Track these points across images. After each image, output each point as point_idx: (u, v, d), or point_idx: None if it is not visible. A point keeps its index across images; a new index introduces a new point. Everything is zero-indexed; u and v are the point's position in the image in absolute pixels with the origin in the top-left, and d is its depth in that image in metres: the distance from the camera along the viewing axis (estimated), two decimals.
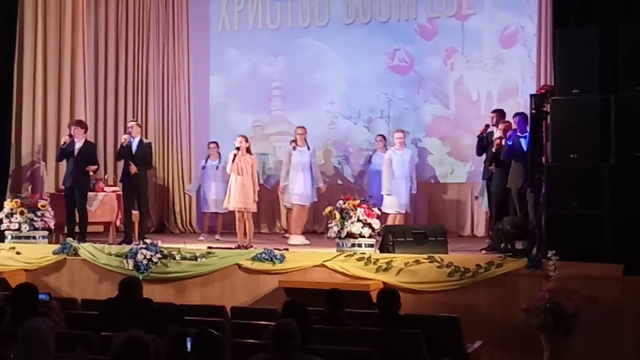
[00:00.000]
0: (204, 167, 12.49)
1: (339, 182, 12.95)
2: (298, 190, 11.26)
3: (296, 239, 11.07)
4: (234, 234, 11.88)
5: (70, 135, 10.95)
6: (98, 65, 13.52)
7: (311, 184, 11.37)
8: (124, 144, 11.05)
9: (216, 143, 12.52)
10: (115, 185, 11.91)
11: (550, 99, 8.77)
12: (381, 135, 12.09)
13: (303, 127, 11.55)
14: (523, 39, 12.12)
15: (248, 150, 10.62)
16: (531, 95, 9.36)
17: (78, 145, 10.90)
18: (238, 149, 10.52)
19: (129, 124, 11.38)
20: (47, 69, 12.41)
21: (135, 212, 11.13)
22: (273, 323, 4.94)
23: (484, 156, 10.36)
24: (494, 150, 9.88)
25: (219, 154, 12.36)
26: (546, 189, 8.59)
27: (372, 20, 12.99)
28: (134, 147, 11.02)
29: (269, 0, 13.53)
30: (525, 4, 12.04)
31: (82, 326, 6.32)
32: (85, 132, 11.17)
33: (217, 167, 12.27)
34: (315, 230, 12.72)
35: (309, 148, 11.39)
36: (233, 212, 10.86)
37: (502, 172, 9.84)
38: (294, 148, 11.40)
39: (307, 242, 10.97)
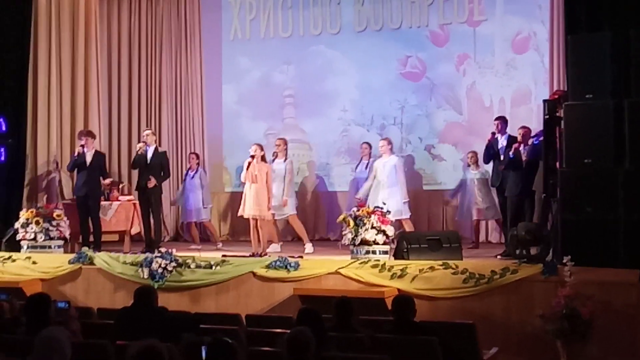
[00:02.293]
0: (184, 179, 12.66)
1: (346, 190, 12.89)
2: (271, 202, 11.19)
3: (309, 246, 11.05)
4: (226, 243, 12.03)
5: (82, 146, 11.02)
6: (111, 75, 13.62)
7: (282, 196, 11.28)
8: (139, 153, 11.10)
9: (196, 154, 12.66)
10: (130, 194, 11.97)
11: (563, 104, 8.75)
12: (366, 142, 12.05)
13: (281, 139, 11.58)
14: (535, 45, 12.09)
15: (263, 159, 10.64)
16: (544, 101, 9.36)
17: (89, 155, 10.97)
18: (252, 157, 10.55)
19: (144, 133, 11.45)
20: (61, 79, 12.51)
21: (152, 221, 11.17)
22: (288, 331, 4.94)
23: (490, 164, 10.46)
24: (511, 154, 9.88)
25: (198, 164, 12.48)
26: (560, 194, 8.56)
27: (383, 27, 13.00)
28: (149, 156, 11.07)
29: (280, 8, 13.57)
30: (537, 9, 12.01)
31: (97, 335, 6.34)
32: (94, 141, 11.28)
33: (192, 177, 12.37)
34: (329, 237, 12.74)
35: (285, 160, 11.38)
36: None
37: (517, 177, 9.83)
38: (273, 160, 11.41)
39: (312, 250, 10.89)
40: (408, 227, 10.92)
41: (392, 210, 10.72)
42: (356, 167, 12.06)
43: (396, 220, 10.79)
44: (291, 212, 11.46)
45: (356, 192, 11.46)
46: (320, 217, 13.02)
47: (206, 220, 12.52)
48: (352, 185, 12.05)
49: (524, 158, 9.85)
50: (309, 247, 10.99)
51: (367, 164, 11.68)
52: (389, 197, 10.84)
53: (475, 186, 11.18)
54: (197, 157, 12.64)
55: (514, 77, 12.28)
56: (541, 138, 9.44)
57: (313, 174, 13.36)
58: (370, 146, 11.93)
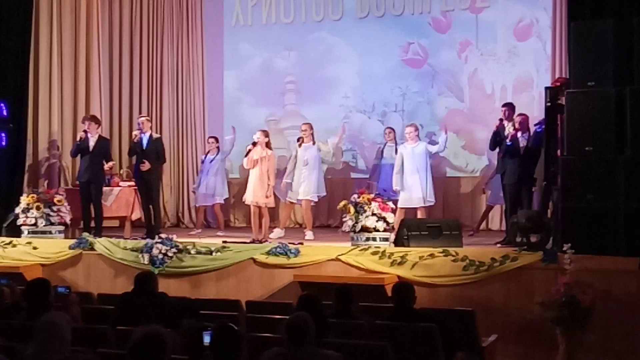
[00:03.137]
0: (202, 162, 12.65)
1: (352, 176, 12.94)
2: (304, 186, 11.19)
3: (310, 234, 11.03)
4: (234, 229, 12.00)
5: (85, 131, 11.01)
6: (113, 61, 13.59)
7: (317, 179, 11.27)
8: (135, 140, 11.09)
9: (215, 138, 12.61)
10: (130, 180, 11.97)
11: (565, 91, 8.73)
12: (390, 127, 12.01)
13: (306, 124, 11.50)
14: (537, 32, 12.06)
15: (268, 145, 10.62)
16: (546, 88, 9.35)
17: (92, 140, 10.95)
18: (255, 143, 10.53)
19: (139, 120, 11.38)
20: (62, 65, 12.49)
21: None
22: (288, 317, 4.95)
23: (496, 150, 10.38)
24: (508, 142, 9.85)
25: (218, 148, 12.44)
26: (561, 182, 8.56)
27: (385, 14, 12.97)
28: (144, 143, 11.04)
29: None
30: None
31: (98, 321, 6.37)
32: (99, 127, 11.24)
33: (211, 161, 12.35)
34: (329, 224, 12.75)
35: (314, 144, 11.33)
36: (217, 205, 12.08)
37: (515, 165, 9.81)
38: (300, 145, 11.38)
39: (312, 237, 10.82)
40: (421, 215, 10.87)
41: (413, 197, 10.74)
42: (382, 153, 11.86)
43: (411, 207, 10.81)
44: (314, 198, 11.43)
45: (383, 178, 11.45)
46: (321, 203, 12.98)
47: (218, 202, 12.47)
48: (375, 171, 11.92)
49: (521, 145, 9.83)
50: (309, 234, 10.99)
51: (396, 148, 11.55)
52: (412, 184, 10.80)
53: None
54: (217, 140, 12.55)
55: (515, 64, 12.25)
56: (544, 126, 9.42)
57: None
58: (393, 130, 11.86)
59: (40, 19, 12.25)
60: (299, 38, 13.48)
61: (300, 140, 11.43)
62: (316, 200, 11.42)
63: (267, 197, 10.58)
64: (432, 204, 11.06)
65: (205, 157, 12.57)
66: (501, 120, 10.28)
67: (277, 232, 11.06)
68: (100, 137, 11.15)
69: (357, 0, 13.11)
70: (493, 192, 11.21)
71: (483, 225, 11.75)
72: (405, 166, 10.91)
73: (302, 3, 13.41)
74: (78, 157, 11.33)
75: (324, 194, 11.54)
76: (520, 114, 10.10)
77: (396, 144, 11.61)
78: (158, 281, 6.90)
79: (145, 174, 10.93)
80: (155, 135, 11.43)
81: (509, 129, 10.13)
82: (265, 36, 13.70)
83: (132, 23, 13.76)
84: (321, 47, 13.39)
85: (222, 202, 12.59)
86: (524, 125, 9.92)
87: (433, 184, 11.12)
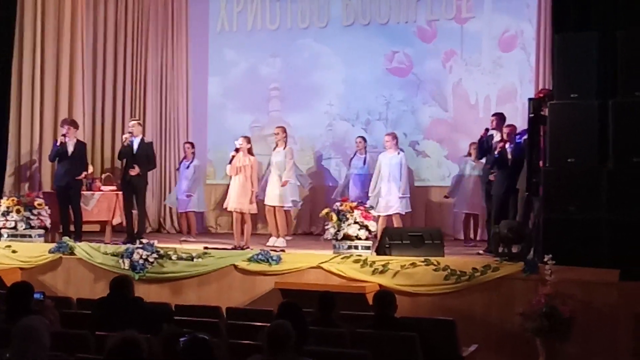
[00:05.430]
0: (178, 168, 12.70)
1: (335, 184, 12.91)
2: (275, 191, 11.27)
3: (272, 240, 11.02)
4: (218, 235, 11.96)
5: (64, 135, 10.94)
6: (96, 65, 13.50)
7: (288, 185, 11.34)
8: (125, 144, 11.03)
9: (191, 143, 12.67)
10: (112, 184, 11.89)
11: (548, 103, 8.77)
12: (361, 137, 12.03)
13: (279, 127, 11.59)
14: (522, 43, 12.12)
15: (250, 152, 10.61)
16: (529, 99, 9.38)
17: (71, 144, 10.89)
18: (237, 150, 10.51)
19: (130, 123, 11.34)
20: (45, 68, 12.37)
21: (134, 212, 11.11)
22: (269, 324, 4.93)
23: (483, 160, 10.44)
24: (496, 153, 9.88)
25: (193, 154, 12.47)
26: (543, 193, 8.59)
27: (371, 22, 12.99)
28: (135, 147, 10.99)
29: (268, 1, 13.53)
30: (524, 8, 12.04)
31: (77, 325, 6.31)
32: (77, 131, 11.20)
33: (187, 167, 12.38)
34: (312, 231, 12.73)
35: (284, 148, 11.36)
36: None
37: (503, 176, 9.84)
38: (274, 149, 11.46)
39: (284, 244, 10.80)
40: (397, 223, 10.90)
41: (384, 206, 10.77)
42: (350, 161, 11.90)
43: (387, 215, 10.84)
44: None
45: (357, 186, 11.48)
46: (303, 210, 12.99)
47: (193, 211, 12.46)
48: (350, 179, 11.88)
49: (509, 156, 9.86)
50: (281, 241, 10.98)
51: (365, 158, 11.65)
52: (389, 191, 10.86)
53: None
54: (192, 146, 12.58)
55: (500, 75, 12.30)
56: (525, 136, 9.46)
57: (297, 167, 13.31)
58: (364, 140, 11.89)
59: (24, 23, 12.13)
60: (284, 45, 13.47)
61: (275, 145, 11.52)
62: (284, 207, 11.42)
63: (251, 203, 10.56)
64: (400, 212, 11.04)
65: (180, 163, 12.56)
66: (487, 129, 10.31)
67: (281, 241, 11.00)
68: (78, 141, 11.10)
69: (343, 8, 13.13)
70: (459, 199, 11.44)
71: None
72: (382, 173, 11.04)
73: (287, 10, 13.41)
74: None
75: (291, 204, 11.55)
76: (508, 125, 10.14)
77: (366, 154, 11.70)
78: (134, 285, 6.86)
79: (133, 178, 10.87)
80: (146, 140, 11.39)
81: (497, 138, 10.13)
82: (250, 42, 13.68)
83: (117, 27, 13.68)
84: (306, 54, 13.39)
85: (200, 211, 12.64)
86: (511, 136, 9.95)
87: (410, 194, 11.22)
